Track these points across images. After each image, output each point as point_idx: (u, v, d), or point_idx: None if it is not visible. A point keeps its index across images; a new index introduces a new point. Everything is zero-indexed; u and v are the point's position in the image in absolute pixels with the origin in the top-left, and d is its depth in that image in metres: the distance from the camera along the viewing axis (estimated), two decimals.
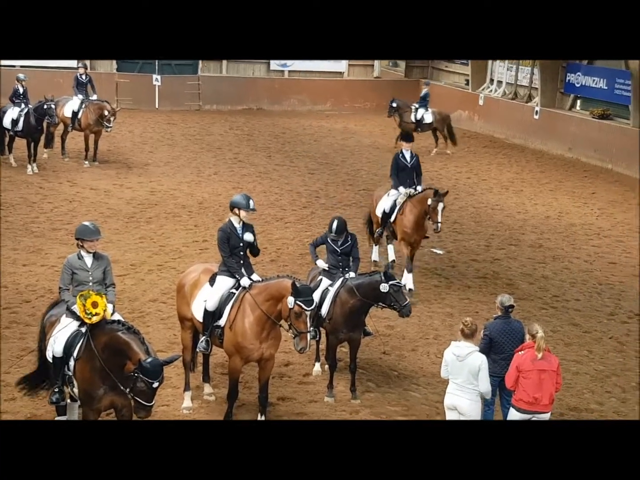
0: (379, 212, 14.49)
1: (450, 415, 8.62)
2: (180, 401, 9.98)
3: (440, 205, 13.42)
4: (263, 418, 9.32)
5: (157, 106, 30.80)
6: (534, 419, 8.59)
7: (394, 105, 25.99)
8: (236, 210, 9.51)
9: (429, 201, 13.49)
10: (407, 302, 10.06)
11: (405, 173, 14.15)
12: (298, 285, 8.75)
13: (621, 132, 24.98)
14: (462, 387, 8.41)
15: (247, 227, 9.58)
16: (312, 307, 8.81)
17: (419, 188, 14.06)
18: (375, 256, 15.27)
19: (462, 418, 8.47)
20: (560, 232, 18.50)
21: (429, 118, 25.54)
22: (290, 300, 8.68)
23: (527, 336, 8.72)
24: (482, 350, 8.71)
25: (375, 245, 15.19)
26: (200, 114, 30.79)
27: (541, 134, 27.88)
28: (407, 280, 13.86)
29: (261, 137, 27.42)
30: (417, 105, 25.72)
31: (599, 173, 24.58)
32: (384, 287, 9.94)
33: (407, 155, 14.21)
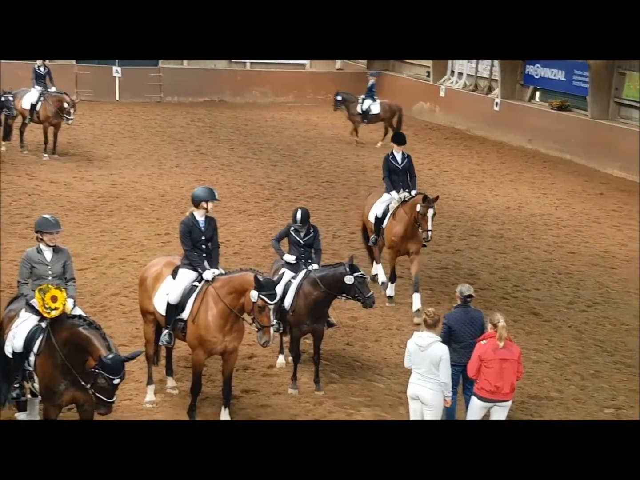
0: (371, 218, 13.70)
1: (413, 405, 8.70)
2: (143, 395, 9.94)
3: (430, 212, 12.46)
4: (227, 411, 9.32)
5: (117, 98, 30.48)
6: (495, 407, 8.72)
7: (339, 98, 25.91)
8: (204, 204, 9.47)
9: (418, 207, 12.55)
10: (370, 293, 10.12)
11: (397, 175, 13.42)
12: (261, 279, 8.75)
13: (579, 123, 25.30)
14: (425, 377, 8.48)
15: (209, 220, 9.56)
16: (275, 300, 8.83)
17: (414, 192, 13.27)
18: (375, 271, 14.14)
19: (425, 408, 8.55)
20: (520, 223, 18.71)
21: (375, 109, 25.46)
22: (254, 294, 8.68)
23: (489, 325, 8.84)
24: (442, 340, 8.81)
25: (378, 263, 14.05)
26: (161, 105, 30.55)
27: (501, 126, 28.13)
28: (390, 288, 13.38)
29: (223, 129, 27.30)
30: (363, 97, 25.59)
31: (558, 164, 24.89)
32: (349, 279, 9.96)
33: (398, 157, 13.48)
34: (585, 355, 12.08)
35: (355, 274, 10.00)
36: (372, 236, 13.77)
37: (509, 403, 8.82)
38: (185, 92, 31.77)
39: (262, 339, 8.81)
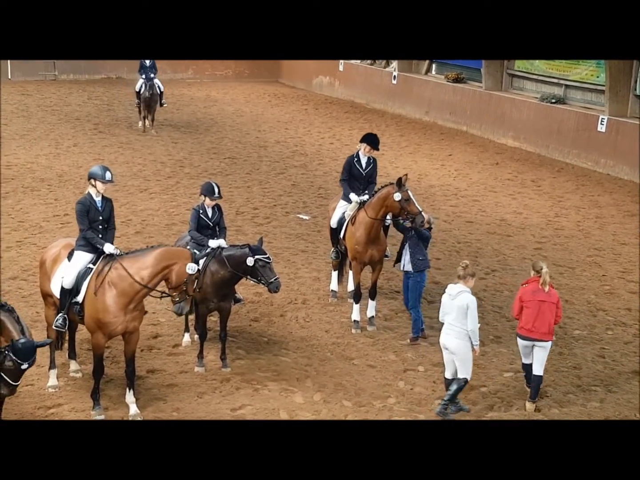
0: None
1: (445, 355, 9.49)
2: (45, 380, 9.77)
3: (411, 193, 11.19)
4: (132, 392, 9.22)
5: (9, 77, 29.53)
6: (535, 347, 9.64)
7: None
8: (92, 181, 9.32)
9: (396, 196, 11.06)
10: (275, 277, 10.03)
11: (358, 183, 12.05)
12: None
13: (474, 95, 25.90)
14: (451, 325, 9.23)
15: (106, 200, 9.41)
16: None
17: (366, 197, 11.77)
18: (334, 285, 12.85)
19: (453, 357, 9.29)
20: (420, 194, 19.02)
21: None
22: (192, 266, 8.71)
23: (532, 272, 9.92)
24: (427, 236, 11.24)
25: (335, 270, 12.80)
26: (56, 84, 29.74)
27: (399, 99, 28.53)
28: (355, 311, 11.83)
29: (121, 106, 26.77)
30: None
31: (455, 135, 25.43)
32: (250, 261, 9.92)
33: (363, 162, 12.12)
34: (484, 321, 12.42)
35: (257, 257, 9.92)
36: (332, 250, 12.59)
37: (549, 344, 9.72)
38: (81, 70, 31.00)
39: (184, 309, 8.91)
